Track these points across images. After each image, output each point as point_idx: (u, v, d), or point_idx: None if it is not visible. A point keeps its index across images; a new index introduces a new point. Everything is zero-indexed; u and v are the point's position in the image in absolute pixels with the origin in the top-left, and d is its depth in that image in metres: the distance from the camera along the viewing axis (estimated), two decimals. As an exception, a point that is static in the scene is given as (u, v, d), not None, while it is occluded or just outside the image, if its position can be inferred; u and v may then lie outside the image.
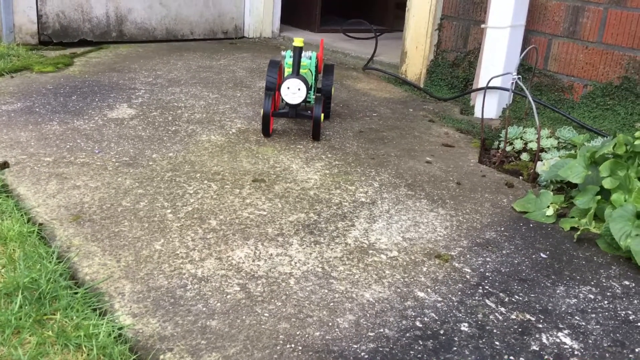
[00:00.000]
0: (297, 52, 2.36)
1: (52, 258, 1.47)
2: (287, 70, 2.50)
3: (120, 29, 3.86)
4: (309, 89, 2.37)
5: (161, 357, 1.21)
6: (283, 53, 2.59)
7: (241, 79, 3.24)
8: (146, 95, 2.82)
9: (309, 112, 2.45)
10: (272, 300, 1.42)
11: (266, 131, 2.41)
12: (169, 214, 1.77)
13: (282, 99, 2.37)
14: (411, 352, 1.28)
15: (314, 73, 2.58)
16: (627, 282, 1.61)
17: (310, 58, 2.57)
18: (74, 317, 1.27)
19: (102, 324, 1.26)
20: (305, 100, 2.37)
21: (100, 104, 2.64)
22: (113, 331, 1.25)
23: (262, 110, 2.38)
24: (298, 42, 2.35)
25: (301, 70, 2.42)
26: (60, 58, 3.32)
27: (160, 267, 1.52)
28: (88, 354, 1.18)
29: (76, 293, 1.36)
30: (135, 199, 1.84)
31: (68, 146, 2.18)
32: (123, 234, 1.65)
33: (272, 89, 2.46)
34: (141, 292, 1.41)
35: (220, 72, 3.35)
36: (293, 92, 2.32)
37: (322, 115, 2.40)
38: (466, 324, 1.39)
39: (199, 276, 1.49)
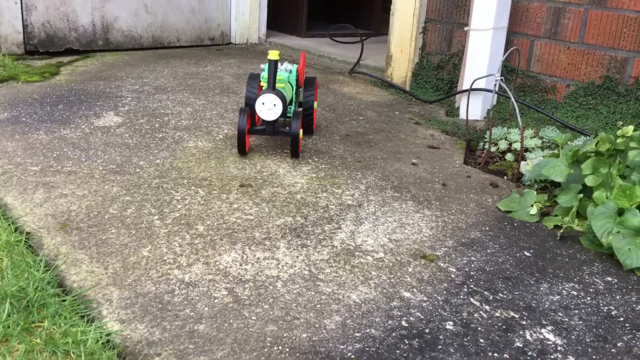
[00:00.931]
0: (272, 65, 2.22)
1: (40, 266, 1.48)
2: (264, 85, 2.34)
3: (107, 37, 3.87)
4: (286, 104, 2.24)
5: (149, 362, 1.22)
6: (262, 66, 2.42)
7: (228, 85, 3.25)
8: (133, 102, 2.83)
9: (288, 128, 2.31)
10: (260, 303, 1.44)
11: (242, 149, 2.27)
12: (156, 221, 1.78)
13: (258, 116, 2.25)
14: (397, 351, 1.30)
15: (294, 87, 2.42)
16: (609, 279, 1.64)
17: (290, 71, 2.42)
18: (62, 324, 1.28)
19: (90, 331, 1.27)
20: (284, 116, 2.26)
21: (86, 113, 2.65)
22: (101, 337, 1.26)
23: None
24: (273, 55, 2.21)
25: (279, 85, 2.27)
26: (46, 67, 3.32)
27: (148, 273, 1.53)
28: (76, 361, 1.19)
29: (64, 300, 1.37)
30: (122, 206, 1.85)
31: (55, 155, 2.18)
32: (110, 241, 1.66)
33: (252, 105, 2.35)
34: (129, 299, 1.42)
35: (207, 79, 3.36)
36: (268, 108, 2.18)
37: (301, 131, 2.30)
38: (451, 323, 1.41)
39: (186, 281, 1.50)
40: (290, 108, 2.41)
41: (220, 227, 1.77)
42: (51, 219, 1.74)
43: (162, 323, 1.34)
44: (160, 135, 2.46)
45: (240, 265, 1.59)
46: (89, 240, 1.65)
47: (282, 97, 2.20)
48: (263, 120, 2.24)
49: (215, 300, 1.44)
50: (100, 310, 1.37)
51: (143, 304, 1.40)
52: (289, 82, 2.36)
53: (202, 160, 2.23)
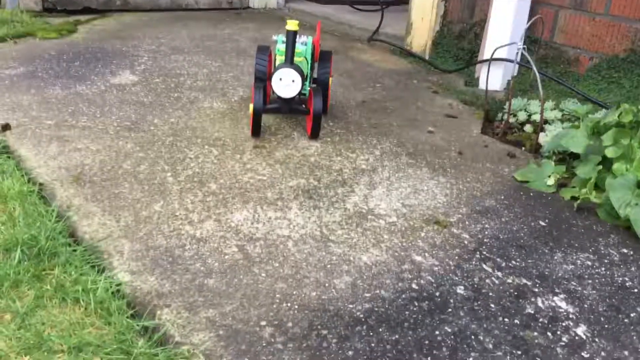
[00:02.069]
0: (291, 36, 2.02)
1: (52, 217, 1.48)
2: (280, 59, 2.14)
3: (125, -3, 3.83)
4: (304, 79, 2.06)
5: (158, 312, 1.23)
6: (274, 37, 2.23)
7: (245, 49, 3.22)
8: (149, 62, 2.81)
9: (304, 105, 2.14)
10: (270, 261, 1.43)
11: (257, 130, 2.08)
12: (169, 177, 1.78)
13: (273, 92, 2.06)
14: (406, 312, 1.29)
15: (309, 61, 2.22)
16: (625, 250, 1.61)
17: (306, 44, 2.20)
18: (72, 273, 1.28)
19: (100, 280, 1.27)
20: (300, 93, 2.07)
21: (103, 70, 2.63)
22: (111, 287, 1.26)
23: (250, 105, 2.03)
24: (292, 24, 2.00)
25: (297, 59, 2.09)
26: (63, 25, 3.30)
27: (160, 227, 1.52)
28: (86, 308, 1.20)
29: (75, 250, 1.38)
30: (135, 162, 1.85)
31: (70, 110, 2.18)
32: (123, 196, 1.65)
33: (263, 79, 2.18)
34: (140, 251, 1.42)
35: (224, 42, 3.33)
36: (286, 83, 2.00)
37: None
38: (462, 287, 1.39)
39: (197, 237, 1.50)
40: (305, 85, 2.17)
41: (232, 186, 1.76)
42: (64, 172, 1.74)
43: (172, 276, 1.34)
44: (176, 95, 2.44)
45: (252, 223, 1.58)
46: (101, 194, 1.65)
47: (301, 73, 2.03)
48: (278, 97, 2.06)
49: (226, 257, 1.43)
50: (111, 261, 1.37)
51: (154, 257, 1.40)
52: (304, 56, 2.18)
53: (217, 121, 2.22)
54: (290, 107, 2.09)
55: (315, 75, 2.31)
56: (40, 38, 3.04)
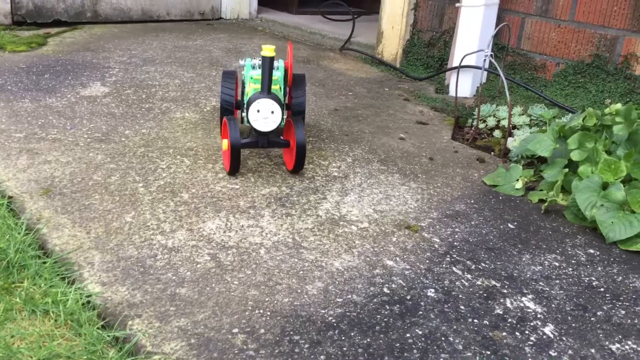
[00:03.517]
0: (267, 63, 1.80)
1: (21, 229, 1.47)
2: (253, 87, 1.93)
3: (95, 9, 3.82)
4: (283, 110, 1.89)
5: (129, 322, 1.22)
6: (242, 62, 2.06)
7: (217, 59, 3.22)
8: (120, 73, 2.80)
9: (282, 137, 1.96)
10: (242, 269, 1.44)
11: (235, 168, 1.87)
12: (141, 188, 1.77)
13: (250, 126, 1.86)
14: (378, 316, 1.31)
15: (283, 88, 2.03)
16: (591, 251, 1.65)
17: (278, 69, 2.02)
18: (42, 285, 1.27)
19: (71, 292, 1.26)
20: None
21: (73, 82, 2.62)
22: (81, 298, 1.25)
23: (224, 140, 1.83)
24: (268, 50, 1.79)
25: (273, 87, 1.90)
26: (33, 38, 3.28)
27: (131, 238, 1.52)
28: (56, 320, 1.19)
29: (45, 263, 1.37)
30: (106, 173, 1.84)
31: (40, 123, 2.16)
32: (94, 207, 1.65)
33: (231, 110, 2.04)
34: (111, 262, 1.41)
35: (196, 52, 3.33)
36: (265, 116, 1.81)
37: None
38: (433, 290, 1.41)
39: (169, 246, 1.50)
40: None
41: (205, 195, 1.76)
42: (34, 184, 1.73)
43: (143, 286, 1.34)
44: (147, 105, 2.44)
45: (224, 232, 1.59)
46: (71, 206, 1.64)
47: (280, 103, 1.83)
48: (254, 131, 1.85)
49: (198, 265, 1.43)
50: (82, 273, 1.36)
51: (125, 268, 1.40)
52: (279, 84, 1.99)
53: (189, 131, 2.22)
54: (268, 141, 1.88)
55: (288, 101, 2.13)
56: (10, 51, 3.01)
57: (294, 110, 2.11)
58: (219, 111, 2.43)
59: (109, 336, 1.17)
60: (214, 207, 1.70)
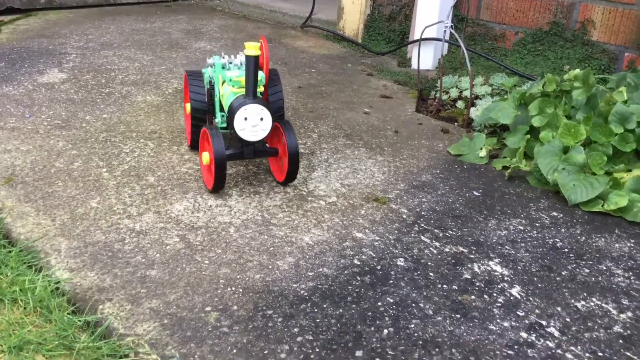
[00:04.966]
0: (252, 64, 1.58)
1: (-17, 220, 1.44)
2: (233, 90, 1.69)
3: (48, -6, 3.72)
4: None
5: (100, 307, 1.21)
6: (210, 61, 1.83)
7: (177, 41, 3.18)
8: (77, 59, 2.75)
9: (267, 144, 1.75)
10: (213, 248, 1.44)
11: (221, 184, 1.64)
12: (105, 173, 1.75)
13: (235, 136, 1.63)
14: (349, 287, 1.32)
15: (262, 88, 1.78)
16: (555, 213, 1.69)
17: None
18: (9, 274, 1.25)
19: (38, 279, 1.25)
20: None
21: (29, 70, 2.56)
22: (49, 285, 1.24)
23: (204, 154, 1.63)
24: (252, 48, 1.56)
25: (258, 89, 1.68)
26: (-15, 26, 3.18)
27: (97, 223, 1.50)
28: (25, 307, 1.17)
29: (10, 252, 1.34)
30: (68, 160, 1.81)
31: (-3, 112, 2.11)
32: (57, 194, 1.62)
33: (203, 118, 1.80)
34: (78, 248, 1.40)
35: (155, 35, 3.28)
36: (253, 123, 1.59)
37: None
38: (402, 259, 1.43)
39: (137, 230, 1.49)
40: None
41: (171, 177, 1.75)
42: (-6, 174, 1.69)
43: (112, 270, 1.33)
44: (107, 90, 2.39)
45: (192, 213, 1.58)
46: (34, 194, 1.61)
47: (268, 107, 1.62)
48: (239, 140, 1.64)
49: (167, 247, 1.43)
50: (49, 260, 1.34)
51: (93, 253, 1.38)
52: (262, 84, 1.76)
53: (152, 114, 2.19)
54: (254, 150, 1.68)
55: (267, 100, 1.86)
56: (-39, 40, 2.92)
57: (272, 107, 1.82)
58: (180, 93, 2.40)
59: (79, 321, 1.16)
60: (181, 188, 1.69)
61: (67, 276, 1.29)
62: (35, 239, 1.41)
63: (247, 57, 1.57)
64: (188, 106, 1.83)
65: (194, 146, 1.87)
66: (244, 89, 1.66)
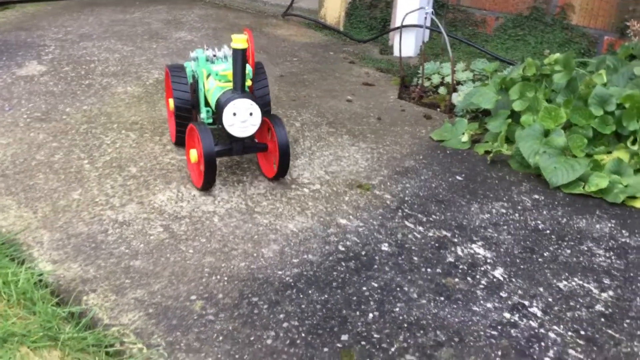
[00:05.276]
0: (240, 57, 1.53)
1: (-36, 214, 1.43)
2: (219, 85, 1.64)
3: (25, -14, 3.66)
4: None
5: (84, 297, 1.21)
6: (192, 54, 1.78)
7: (157, 31, 3.15)
8: (57, 51, 2.71)
9: (256, 139, 1.70)
10: (197, 237, 1.43)
11: (211, 182, 1.61)
12: (86, 165, 1.74)
13: (224, 132, 1.59)
14: (334, 273, 1.33)
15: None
16: (536, 196, 1.70)
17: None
18: (-10, 267, 1.24)
19: (21, 272, 1.24)
20: None
21: (7, 63, 2.52)
22: (32, 277, 1.23)
23: (191, 151, 1.59)
24: (239, 41, 1.51)
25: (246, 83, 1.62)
26: (-39, 19, 3.13)
27: (80, 215, 1.49)
28: (8, 300, 1.17)
29: (-9, 245, 1.33)
30: (49, 152, 1.79)
31: (-25, 105, 2.08)
32: (39, 187, 1.61)
33: (189, 115, 1.76)
34: (60, 240, 1.39)
35: (135, 25, 3.24)
36: (243, 119, 1.55)
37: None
38: (386, 244, 1.44)
39: (120, 221, 1.48)
40: None
41: (154, 168, 1.74)
42: (-26, 168, 1.67)
43: (96, 261, 1.32)
44: (87, 82, 2.37)
45: (176, 202, 1.57)
46: (15, 187, 1.60)
47: (257, 102, 1.58)
48: (229, 137, 1.60)
49: (151, 237, 1.42)
50: (31, 253, 1.34)
51: (76, 245, 1.38)
52: (250, 78, 1.73)
53: (133, 105, 2.17)
54: (244, 145, 1.64)
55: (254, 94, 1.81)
56: (-64, 33, 2.87)
57: (258, 102, 1.66)
58: (161, 84, 2.38)
59: (64, 312, 1.16)
60: (164, 179, 1.69)
61: (51, 268, 1.29)
62: (17, 232, 1.40)
63: (235, 50, 1.52)
64: (171, 102, 1.79)
65: (179, 142, 1.83)
66: (230, 83, 1.62)
